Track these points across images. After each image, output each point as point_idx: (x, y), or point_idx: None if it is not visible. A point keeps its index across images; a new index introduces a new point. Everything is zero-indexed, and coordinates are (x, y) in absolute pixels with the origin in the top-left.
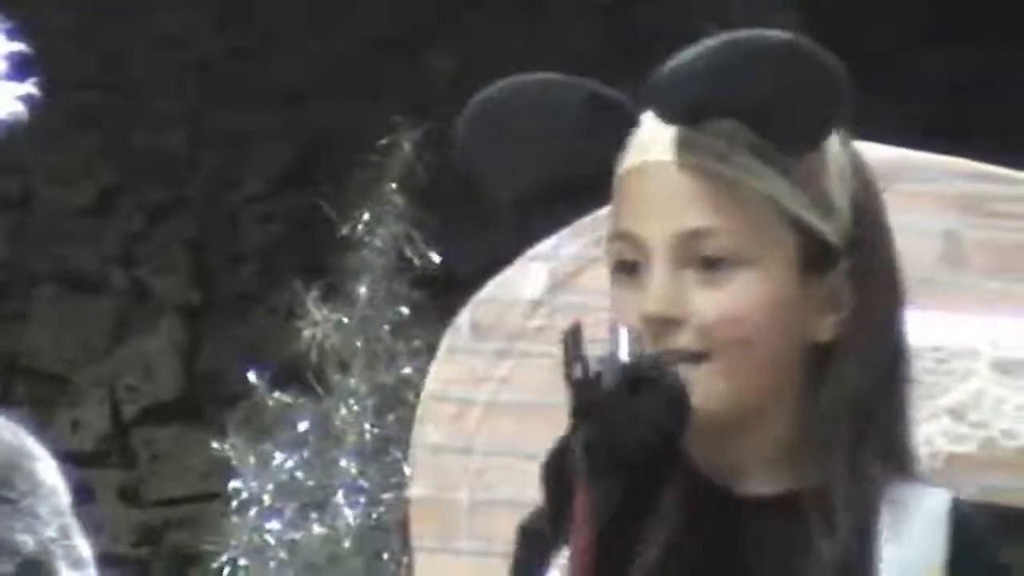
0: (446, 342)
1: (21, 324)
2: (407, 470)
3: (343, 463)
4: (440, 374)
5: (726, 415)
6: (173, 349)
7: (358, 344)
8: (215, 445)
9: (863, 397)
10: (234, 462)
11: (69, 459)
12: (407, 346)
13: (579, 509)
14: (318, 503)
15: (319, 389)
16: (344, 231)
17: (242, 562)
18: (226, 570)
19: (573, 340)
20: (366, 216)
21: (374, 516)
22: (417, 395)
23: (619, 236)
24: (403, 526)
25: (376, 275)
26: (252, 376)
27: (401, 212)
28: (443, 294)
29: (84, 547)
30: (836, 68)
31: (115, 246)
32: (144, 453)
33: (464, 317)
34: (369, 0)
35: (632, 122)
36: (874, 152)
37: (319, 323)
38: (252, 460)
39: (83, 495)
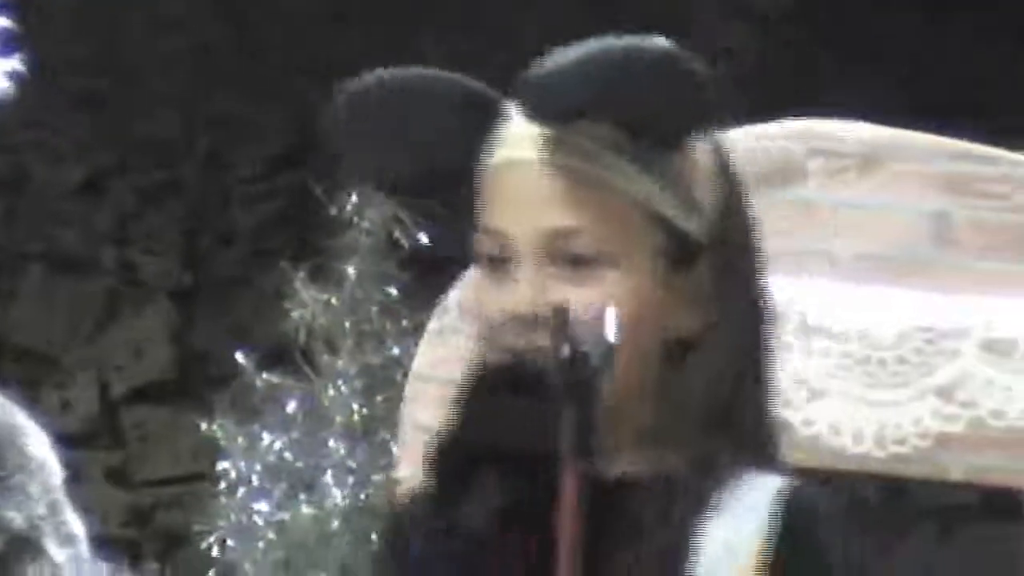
0: (434, 323)
1: (11, 303)
2: (395, 451)
3: (331, 444)
4: (428, 354)
5: None
6: (163, 330)
7: (347, 325)
8: (204, 426)
9: (716, 390)
10: (223, 443)
11: (58, 440)
12: (396, 327)
13: (568, 491)
14: (307, 484)
15: (308, 370)
16: (333, 212)
17: (231, 542)
18: (215, 550)
19: (559, 320)
20: (355, 198)
21: (362, 497)
22: (405, 376)
23: (487, 231)
24: (391, 506)
25: (365, 256)
26: (241, 357)
27: None
28: (431, 275)
29: (75, 523)
30: (705, 75)
31: (106, 227)
32: (133, 434)
33: (452, 298)
34: None
35: (501, 117)
36: (861, 132)
37: (308, 304)
38: (241, 441)
39: (72, 476)
